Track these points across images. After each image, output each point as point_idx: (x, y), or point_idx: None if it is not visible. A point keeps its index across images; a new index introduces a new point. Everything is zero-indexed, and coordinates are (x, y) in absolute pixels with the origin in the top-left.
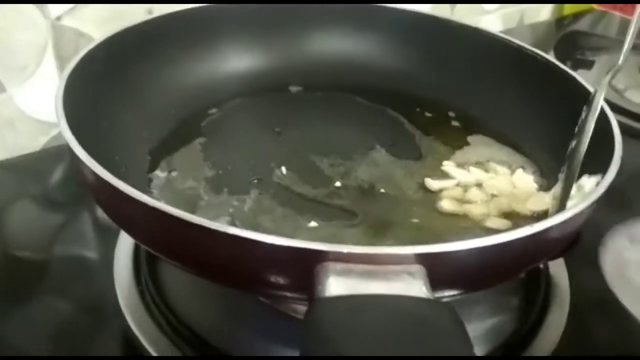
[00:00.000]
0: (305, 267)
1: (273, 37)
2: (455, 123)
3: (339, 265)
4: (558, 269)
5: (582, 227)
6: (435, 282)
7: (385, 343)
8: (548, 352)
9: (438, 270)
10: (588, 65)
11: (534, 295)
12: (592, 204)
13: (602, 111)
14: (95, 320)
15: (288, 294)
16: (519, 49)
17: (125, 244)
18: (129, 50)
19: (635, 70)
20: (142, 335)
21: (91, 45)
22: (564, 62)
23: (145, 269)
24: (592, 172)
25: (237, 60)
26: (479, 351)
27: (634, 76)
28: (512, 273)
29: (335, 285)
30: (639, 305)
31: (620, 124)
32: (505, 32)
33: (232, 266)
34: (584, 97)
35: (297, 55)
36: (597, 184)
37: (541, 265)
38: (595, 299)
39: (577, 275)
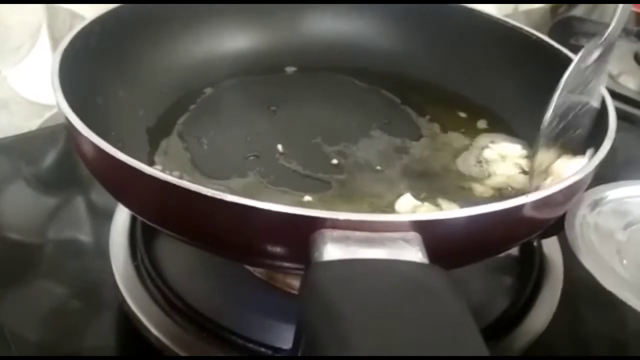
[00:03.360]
0: (302, 235)
1: (269, 18)
2: (451, 104)
3: (336, 232)
4: (552, 248)
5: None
6: (431, 251)
7: (382, 303)
8: (540, 330)
9: (434, 238)
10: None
11: (528, 274)
12: (587, 176)
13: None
14: (92, 299)
15: (285, 264)
16: (513, 29)
17: (120, 223)
18: (124, 27)
19: (629, 56)
20: (139, 310)
21: (86, 22)
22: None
23: (141, 246)
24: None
25: (233, 40)
26: None
27: (628, 62)
28: (505, 244)
29: (332, 250)
30: (599, 270)
31: (615, 109)
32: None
33: (230, 235)
34: None
35: (293, 36)
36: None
37: (535, 244)
38: (588, 278)
39: (570, 254)
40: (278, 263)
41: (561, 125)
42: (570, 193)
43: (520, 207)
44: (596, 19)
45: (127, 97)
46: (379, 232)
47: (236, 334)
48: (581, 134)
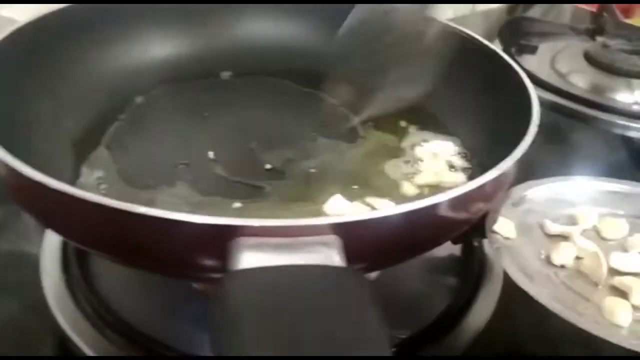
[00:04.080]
0: (218, 244)
1: (201, 22)
2: (389, 107)
3: (252, 240)
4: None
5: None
6: (352, 253)
7: (288, 310)
8: (479, 328)
9: (352, 241)
10: (531, 50)
11: (468, 273)
12: (506, 173)
13: (524, 85)
14: (22, 316)
15: (207, 275)
16: (446, 28)
17: (52, 237)
18: (46, 37)
19: (579, 55)
20: (68, 326)
21: (3, 33)
22: (508, 48)
23: (73, 260)
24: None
25: (165, 46)
26: (407, 328)
27: (578, 60)
28: (429, 243)
29: (247, 258)
30: (512, 266)
31: (564, 107)
32: (457, 19)
33: (146, 248)
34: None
35: (228, 40)
36: None
37: (476, 244)
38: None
39: None
40: (201, 274)
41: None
42: (491, 190)
43: (438, 205)
44: (553, 19)
45: (51, 109)
46: (295, 237)
47: (170, 347)
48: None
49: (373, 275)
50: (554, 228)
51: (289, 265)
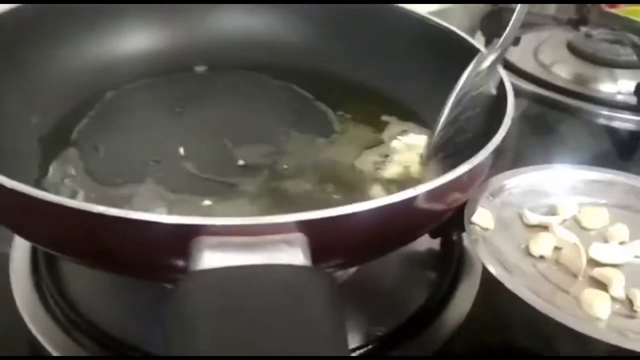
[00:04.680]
0: (180, 244)
1: (175, 16)
2: (364, 98)
3: (214, 239)
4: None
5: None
6: (318, 252)
7: (247, 313)
8: (459, 321)
9: (320, 238)
10: (514, 41)
11: (447, 267)
12: (481, 164)
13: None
14: None
15: (171, 275)
16: (423, 20)
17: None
18: (14, 29)
19: (562, 46)
20: (38, 331)
21: None
22: (490, 39)
23: (42, 262)
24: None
25: (137, 40)
26: (385, 323)
27: (561, 51)
28: (399, 239)
29: (209, 258)
30: (490, 258)
31: (548, 98)
32: (438, 11)
33: (108, 248)
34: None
35: (201, 33)
36: None
37: (455, 237)
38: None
39: None
40: (165, 275)
41: (451, 131)
42: (465, 182)
43: (412, 200)
44: (536, 10)
45: (17, 104)
46: (259, 236)
47: (139, 349)
48: (468, 138)
49: (350, 270)
50: (533, 218)
51: (251, 265)
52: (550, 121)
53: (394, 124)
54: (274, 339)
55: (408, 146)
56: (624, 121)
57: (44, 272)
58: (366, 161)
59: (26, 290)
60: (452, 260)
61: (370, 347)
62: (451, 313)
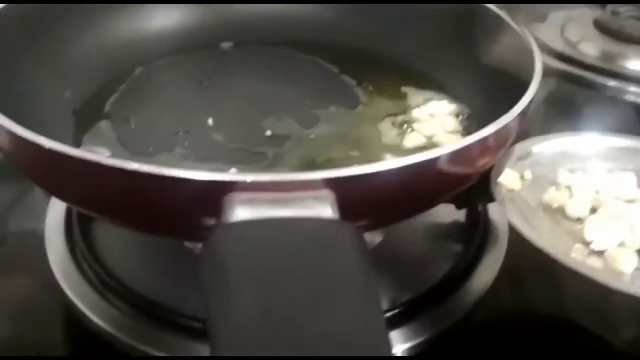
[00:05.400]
0: (212, 201)
1: None
2: (389, 71)
3: (245, 195)
4: (498, 213)
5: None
6: (345, 209)
7: (276, 259)
8: (481, 292)
9: (347, 196)
10: (541, 19)
11: (472, 238)
12: (505, 128)
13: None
14: (24, 284)
15: (203, 234)
16: None
17: (57, 204)
18: (48, 7)
19: (589, 23)
20: (72, 293)
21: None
22: (516, 16)
23: (76, 227)
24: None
25: (165, 17)
26: (410, 290)
27: (588, 28)
28: (426, 200)
29: (239, 213)
30: (516, 216)
31: (574, 75)
32: None
33: (140, 205)
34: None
35: (227, 10)
36: None
37: (480, 209)
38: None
39: None
40: (196, 233)
41: None
42: (491, 145)
43: (436, 160)
44: None
45: (52, 79)
46: (288, 192)
47: (171, 310)
48: None
49: (376, 239)
50: (560, 179)
51: (281, 218)
52: (577, 98)
53: (416, 94)
54: (306, 289)
55: (431, 115)
56: None
57: (77, 237)
58: (390, 132)
59: (61, 255)
60: (477, 232)
61: (394, 311)
62: (475, 283)
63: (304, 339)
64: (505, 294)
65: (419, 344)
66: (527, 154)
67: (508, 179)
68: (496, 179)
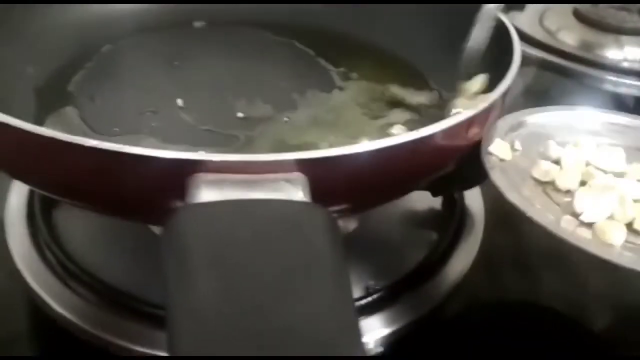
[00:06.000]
0: (176, 180)
1: None
2: (365, 55)
3: (212, 176)
4: (474, 201)
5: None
6: (319, 193)
7: (244, 247)
8: (457, 279)
9: (321, 179)
10: (520, 7)
11: (447, 227)
12: (484, 110)
13: (503, 24)
14: None
15: (166, 216)
16: None
17: (17, 193)
18: None
19: (568, 12)
20: (34, 280)
21: None
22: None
23: (38, 214)
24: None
25: None
26: (384, 277)
27: (567, 17)
28: (406, 182)
29: (205, 194)
30: (505, 184)
31: (553, 64)
32: None
33: (103, 184)
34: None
35: None
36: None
37: (456, 196)
38: (510, 230)
39: (492, 206)
40: (160, 215)
41: None
42: (466, 129)
43: (410, 143)
44: None
45: (13, 54)
46: (258, 174)
47: (135, 298)
48: None
49: (351, 226)
50: (551, 151)
51: (249, 200)
52: (556, 87)
53: (396, 81)
54: (273, 274)
55: (409, 105)
56: (630, 87)
57: (40, 223)
58: (365, 116)
59: (23, 241)
60: (452, 220)
61: (368, 299)
62: (451, 270)
63: (266, 331)
64: (481, 282)
65: (395, 331)
66: (518, 125)
67: (499, 149)
68: (487, 142)
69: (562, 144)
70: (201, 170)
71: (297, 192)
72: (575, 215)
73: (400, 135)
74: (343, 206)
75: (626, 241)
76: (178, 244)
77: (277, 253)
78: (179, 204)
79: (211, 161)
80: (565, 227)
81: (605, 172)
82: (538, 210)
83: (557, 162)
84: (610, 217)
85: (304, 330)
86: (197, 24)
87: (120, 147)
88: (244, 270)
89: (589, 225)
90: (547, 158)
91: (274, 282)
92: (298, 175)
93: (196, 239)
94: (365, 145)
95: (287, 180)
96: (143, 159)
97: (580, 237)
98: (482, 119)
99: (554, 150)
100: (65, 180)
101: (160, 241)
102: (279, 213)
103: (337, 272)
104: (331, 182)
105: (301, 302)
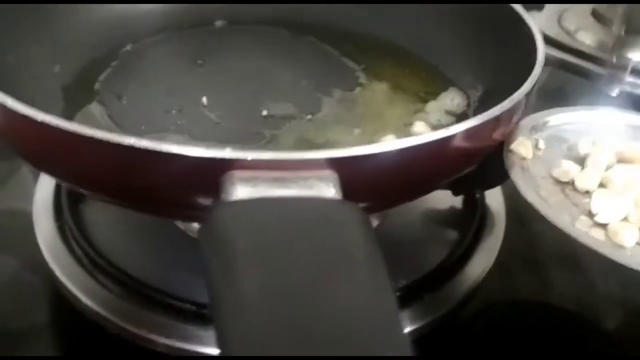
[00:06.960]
0: (211, 178)
1: None
2: (387, 54)
3: (246, 173)
4: (495, 201)
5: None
6: (349, 190)
7: (279, 236)
8: (477, 280)
9: (351, 177)
10: (538, 7)
11: (469, 225)
12: (509, 110)
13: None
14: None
15: (199, 213)
16: None
17: (45, 187)
18: None
19: (587, 12)
20: (61, 272)
21: None
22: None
23: (66, 208)
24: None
25: None
26: (405, 276)
27: (586, 18)
28: (433, 180)
29: (240, 191)
30: (525, 184)
31: (571, 64)
32: None
33: (136, 181)
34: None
35: None
36: None
37: (477, 196)
38: (530, 230)
39: (513, 205)
40: (193, 212)
41: None
42: (493, 127)
43: (439, 142)
44: None
45: (41, 53)
46: (290, 172)
47: (161, 291)
48: None
49: (374, 223)
50: (580, 148)
51: (283, 197)
52: (574, 87)
53: (417, 79)
54: (315, 267)
55: (431, 104)
56: None
57: (67, 216)
58: (390, 114)
59: (50, 234)
60: (473, 219)
61: None
62: (472, 270)
63: (316, 329)
64: (501, 282)
65: (415, 330)
66: (542, 125)
67: (520, 147)
68: (509, 147)
69: (584, 144)
70: (235, 168)
71: (328, 189)
72: (591, 216)
73: (427, 134)
74: (370, 202)
75: (638, 243)
76: (219, 241)
77: (316, 249)
78: (211, 200)
79: (245, 159)
80: (580, 228)
81: (626, 175)
82: (554, 209)
83: (579, 162)
84: (625, 219)
85: (352, 327)
86: (219, 23)
87: (157, 145)
88: (287, 267)
89: (604, 226)
90: (571, 157)
91: (317, 279)
92: (329, 173)
93: (238, 235)
94: (394, 144)
95: (319, 178)
96: (180, 157)
97: (593, 238)
98: (507, 119)
99: (583, 147)
100: (97, 177)
101: (200, 237)
102: (314, 210)
103: (376, 266)
104: (359, 180)
105: (346, 298)
